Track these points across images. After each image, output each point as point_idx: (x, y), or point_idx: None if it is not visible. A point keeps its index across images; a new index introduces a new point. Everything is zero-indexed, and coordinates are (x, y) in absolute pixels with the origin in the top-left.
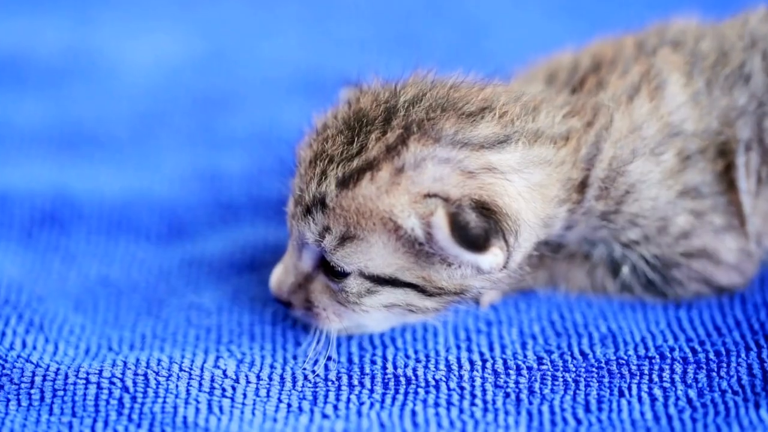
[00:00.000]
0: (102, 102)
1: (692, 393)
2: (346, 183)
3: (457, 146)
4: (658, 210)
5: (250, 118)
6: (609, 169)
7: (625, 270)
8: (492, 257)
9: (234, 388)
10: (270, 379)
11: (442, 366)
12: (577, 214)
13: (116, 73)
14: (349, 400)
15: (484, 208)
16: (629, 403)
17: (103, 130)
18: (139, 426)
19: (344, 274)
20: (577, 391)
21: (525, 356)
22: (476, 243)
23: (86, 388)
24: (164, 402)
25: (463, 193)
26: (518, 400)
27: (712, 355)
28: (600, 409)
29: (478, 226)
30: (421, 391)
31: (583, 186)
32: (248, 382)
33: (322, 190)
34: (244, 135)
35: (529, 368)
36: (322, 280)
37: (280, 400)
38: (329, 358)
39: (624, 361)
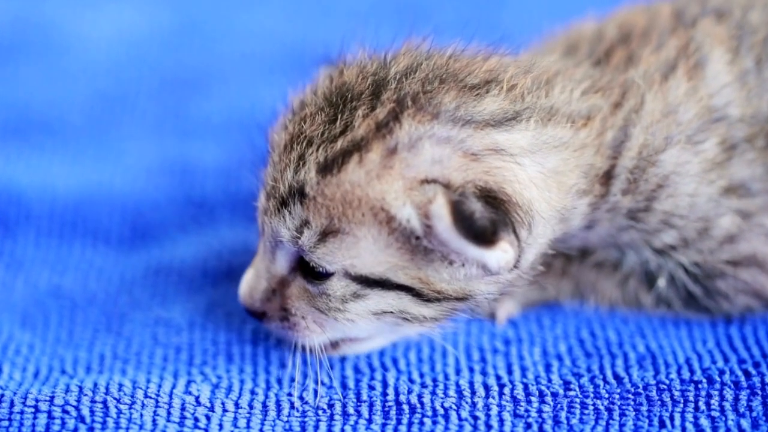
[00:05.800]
0: (54, 82)
1: (745, 423)
2: (329, 168)
3: (459, 123)
4: (698, 209)
5: (226, 102)
6: (638, 157)
7: (662, 282)
8: (501, 253)
9: (208, 418)
10: (250, 407)
11: (452, 392)
12: (600, 211)
13: (71, 49)
14: (343, 431)
15: (490, 197)
16: None
17: (56, 115)
18: None
19: (326, 275)
20: (611, 421)
21: (549, 380)
22: (483, 236)
23: (35, 418)
24: None
25: (467, 179)
26: (541, 431)
27: None
28: None
29: (485, 216)
30: (427, 420)
31: (608, 177)
32: (225, 410)
33: (300, 177)
34: (219, 121)
35: (554, 394)
36: (300, 283)
37: None
38: (319, 383)
39: (665, 387)
